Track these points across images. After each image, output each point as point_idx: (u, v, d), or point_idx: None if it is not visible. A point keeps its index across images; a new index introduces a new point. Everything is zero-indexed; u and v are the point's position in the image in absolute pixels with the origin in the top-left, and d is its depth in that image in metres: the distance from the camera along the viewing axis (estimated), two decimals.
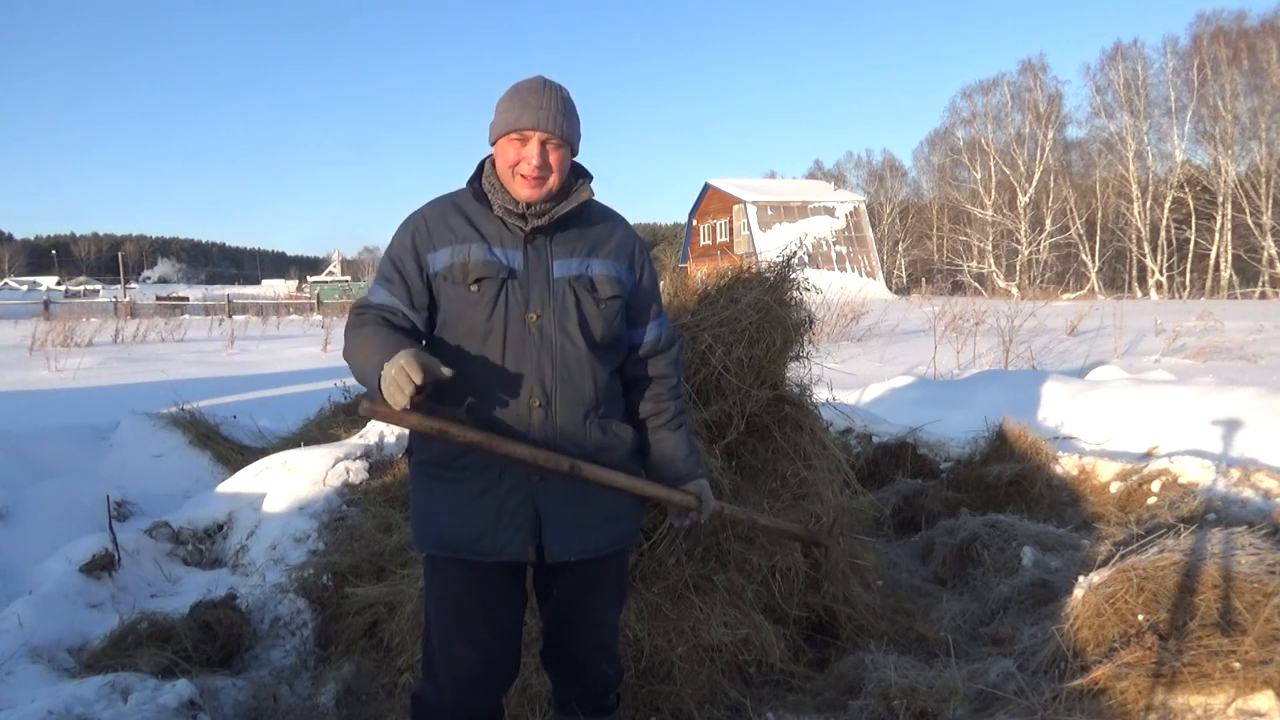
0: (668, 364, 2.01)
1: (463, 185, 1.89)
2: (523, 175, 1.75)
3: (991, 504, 4.41)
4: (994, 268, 45.80)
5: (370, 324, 1.76)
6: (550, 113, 1.74)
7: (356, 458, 4.36)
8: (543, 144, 1.75)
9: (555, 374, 1.78)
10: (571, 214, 1.83)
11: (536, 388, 1.78)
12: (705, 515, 1.99)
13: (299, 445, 4.87)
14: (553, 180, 1.77)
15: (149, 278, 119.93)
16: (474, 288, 1.77)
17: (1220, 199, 37.58)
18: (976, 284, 42.78)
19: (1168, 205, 39.21)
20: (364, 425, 5.11)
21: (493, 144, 1.82)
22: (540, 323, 1.78)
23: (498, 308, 1.77)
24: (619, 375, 1.97)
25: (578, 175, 1.88)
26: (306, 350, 14.87)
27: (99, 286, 75.97)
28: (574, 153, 1.84)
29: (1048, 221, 43.47)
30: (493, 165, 1.83)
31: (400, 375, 1.53)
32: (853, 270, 43.68)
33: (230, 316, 28.76)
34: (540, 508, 1.80)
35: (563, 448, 1.78)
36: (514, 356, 1.77)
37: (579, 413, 1.81)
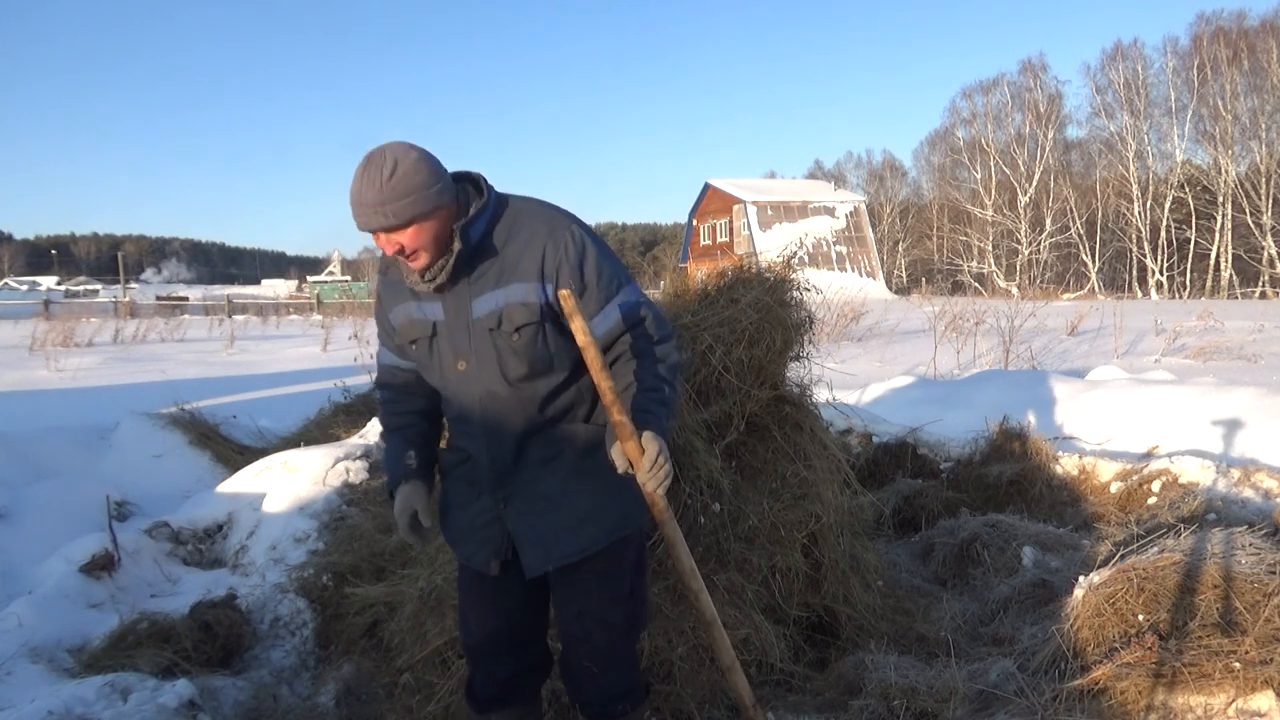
0: (634, 340, 1.84)
1: None
2: (402, 259, 1.73)
3: (991, 504, 4.41)
4: (994, 268, 45.79)
5: (386, 415, 2.03)
6: (371, 209, 1.64)
7: (356, 458, 4.36)
8: (387, 236, 1.68)
9: (487, 415, 1.83)
10: (479, 247, 1.76)
11: (479, 429, 1.85)
12: (645, 475, 1.73)
13: (299, 445, 4.87)
14: (423, 256, 1.71)
15: (147, 280, 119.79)
16: (413, 346, 1.88)
17: (1220, 199, 37.58)
18: (976, 284, 42.78)
19: (1168, 205, 39.21)
20: (364, 425, 5.11)
21: None
22: (469, 370, 1.81)
23: (433, 361, 1.86)
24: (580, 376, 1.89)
25: (479, 190, 1.79)
26: (306, 350, 14.86)
27: (99, 286, 76.01)
28: (432, 214, 1.68)
29: (1048, 221, 43.46)
30: None
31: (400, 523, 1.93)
32: (853, 270, 43.67)
33: (230, 316, 28.75)
34: (512, 528, 1.89)
35: (513, 469, 1.87)
36: (457, 405, 1.88)
37: (516, 443, 1.85)
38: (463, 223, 1.73)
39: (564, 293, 1.64)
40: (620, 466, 1.74)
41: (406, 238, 1.68)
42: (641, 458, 1.71)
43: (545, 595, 2.05)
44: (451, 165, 1.80)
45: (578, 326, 1.65)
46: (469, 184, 1.81)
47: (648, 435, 1.72)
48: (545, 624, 2.10)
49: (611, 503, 1.91)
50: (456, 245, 1.72)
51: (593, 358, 1.67)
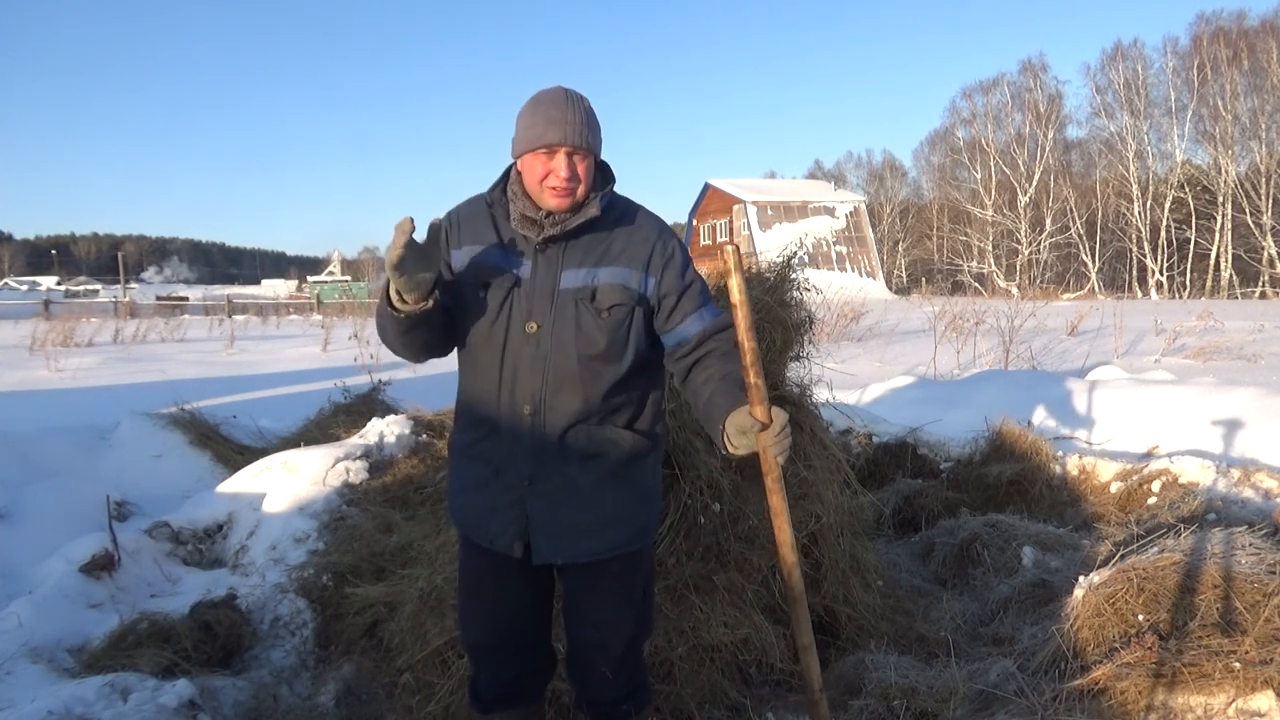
0: (725, 343, 1.87)
1: (484, 188, 1.92)
2: (552, 188, 1.77)
3: (991, 504, 4.41)
4: (994, 268, 45.78)
5: None
6: (575, 126, 1.76)
7: (356, 458, 4.37)
8: (569, 156, 1.77)
9: (545, 385, 1.82)
10: (588, 221, 1.82)
11: (529, 395, 1.82)
12: (772, 439, 1.69)
13: (299, 445, 4.87)
14: (580, 190, 1.80)
15: (147, 280, 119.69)
16: (481, 292, 1.84)
17: (1220, 199, 37.56)
18: (976, 284, 42.77)
19: (1168, 205, 39.19)
20: (364, 425, 5.11)
21: (516, 157, 1.84)
22: (539, 334, 1.81)
23: (501, 315, 1.83)
24: (656, 375, 1.93)
25: (605, 179, 1.89)
26: (306, 350, 14.84)
27: (99, 286, 76.00)
28: (597, 161, 1.85)
29: (1048, 221, 43.45)
30: (518, 174, 1.85)
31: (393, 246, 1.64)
32: (853, 270, 43.67)
33: (230, 316, 28.71)
34: (530, 511, 1.86)
35: (549, 452, 1.84)
36: (511, 364, 1.83)
37: (566, 422, 1.83)
38: (603, 191, 1.84)
39: (730, 247, 1.68)
40: (745, 427, 1.71)
41: (584, 166, 1.79)
42: (773, 423, 1.71)
43: (549, 594, 2.04)
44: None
45: (735, 284, 1.66)
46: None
47: (776, 408, 1.74)
48: (549, 624, 2.09)
49: (638, 513, 1.92)
50: (594, 211, 1.81)
51: (743, 316, 1.67)
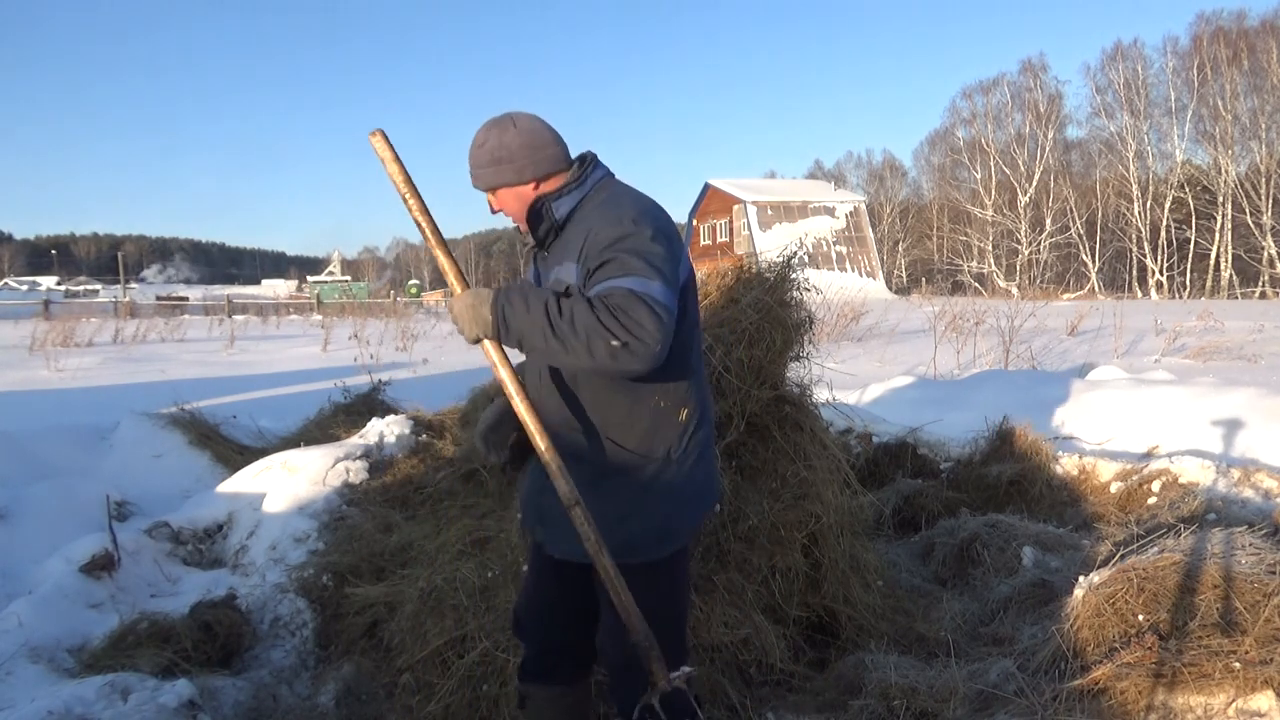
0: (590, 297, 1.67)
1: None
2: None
3: (991, 504, 4.41)
4: (994, 268, 45.79)
5: None
6: (473, 172, 1.89)
7: (356, 458, 4.37)
8: (487, 197, 1.91)
9: (540, 386, 1.92)
10: (564, 222, 1.89)
11: (534, 394, 1.91)
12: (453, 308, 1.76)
13: (299, 445, 4.87)
14: (518, 220, 1.92)
15: (148, 279, 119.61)
16: None
17: (1220, 199, 37.58)
18: (976, 284, 42.77)
19: (1168, 205, 39.21)
20: (364, 425, 5.11)
21: None
22: None
23: None
24: (647, 389, 1.84)
25: (580, 172, 1.89)
26: (306, 350, 14.84)
27: (99, 286, 75.97)
28: (526, 182, 1.86)
29: (1048, 221, 43.47)
30: None
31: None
32: (853, 270, 43.65)
33: (230, 316, 28.70)
34: (542, 502, 1.94)
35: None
36: (524, 368, 1.97)
37: (551, 420, 1.87)
38: (545, 193, 1.88)
39: (375, 133, 1.76)
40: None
41: (501, 201, 1.90)
42: (455, 297, 1.78)
43: (584, 585, 1.99)
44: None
45: (391, 173, 1.76)
46: (579, 163, 1.94)
47: (471, 291, 1.74)
48: (582, 613, 2.03)
49: (617, 530, 1.83)
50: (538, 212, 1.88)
51: (414, 203, 1.77)
